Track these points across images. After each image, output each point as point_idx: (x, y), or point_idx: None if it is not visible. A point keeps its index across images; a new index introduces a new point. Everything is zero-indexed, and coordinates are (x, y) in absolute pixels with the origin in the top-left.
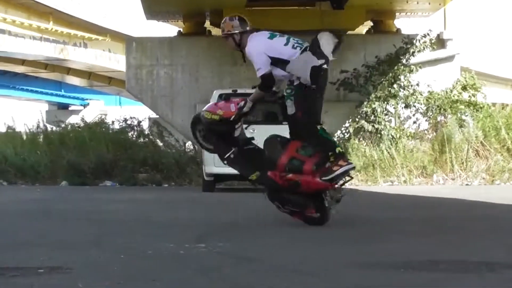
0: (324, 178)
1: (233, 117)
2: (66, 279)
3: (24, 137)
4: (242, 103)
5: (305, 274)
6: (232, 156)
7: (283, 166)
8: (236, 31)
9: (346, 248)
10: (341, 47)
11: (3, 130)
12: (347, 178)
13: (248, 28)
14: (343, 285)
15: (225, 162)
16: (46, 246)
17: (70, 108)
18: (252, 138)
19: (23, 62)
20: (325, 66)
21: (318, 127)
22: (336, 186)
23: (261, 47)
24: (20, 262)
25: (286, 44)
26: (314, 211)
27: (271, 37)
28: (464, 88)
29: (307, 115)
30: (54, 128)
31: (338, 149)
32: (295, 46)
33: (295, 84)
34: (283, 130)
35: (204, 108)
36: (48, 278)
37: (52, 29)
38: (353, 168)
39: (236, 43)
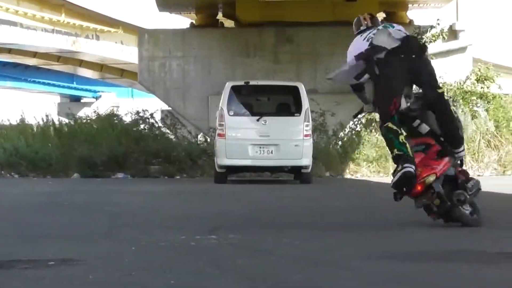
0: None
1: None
2: (77, 271)
3: (35, 129)
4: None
5: (319, 266)
6: None
7: None
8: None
9: (362, 239)
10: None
11: (15, 122)
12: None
13: (361, 28)
14: (359, 275)
15: None
16: (57, 239)
17: (82, 101)
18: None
19: (35, 54)
20: (380, 55)
21: (385, 125)
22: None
23: (350, 48)
24: (31, 255)
25: (364, 39)
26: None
27: (359, 33)
28: (478, 79)
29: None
30: (66, 120)
31: (395, 152)
32: (368, 39)
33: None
34: (295, 122)
35: None
36: (59, 270)
37: (64, 21)
38: (409, 173)
39: None
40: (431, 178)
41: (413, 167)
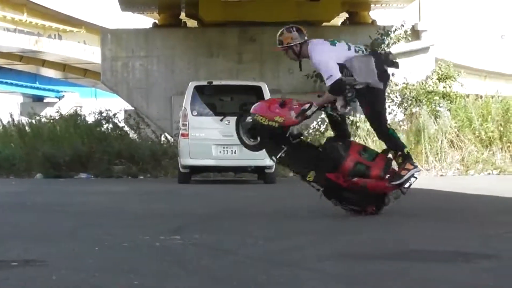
0: (393, 183)
1: (295, 124)
2: (40, 272)
3: None
4: (306, 106)
5: (283, 265)
6: (283, 155)
7: (348, 170)
8: (296, 43)
9: (323, 240)
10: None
11: None
12: (413, 179)
13: (306, 38)
14: (320, 275)
15: (278, 162)
16: (20, 239)
17: (45, 101)
18: (300, 134)
19: None
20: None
21: (389, 127)
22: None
23: (327, 54)
24: None
25: (348, 49)
26: (374, 208)
27: (333, 43)
28: (440, 78)
29: (378, 116)
30: (29, 120)
31: (406, 150)
32: (357, 51)
33: (358, 87)
34: None
35: (255, 110)
36: (23, 271)
37: (26, 20)
38: (419, 171)
39: (296, 53)
40: None
41: None
